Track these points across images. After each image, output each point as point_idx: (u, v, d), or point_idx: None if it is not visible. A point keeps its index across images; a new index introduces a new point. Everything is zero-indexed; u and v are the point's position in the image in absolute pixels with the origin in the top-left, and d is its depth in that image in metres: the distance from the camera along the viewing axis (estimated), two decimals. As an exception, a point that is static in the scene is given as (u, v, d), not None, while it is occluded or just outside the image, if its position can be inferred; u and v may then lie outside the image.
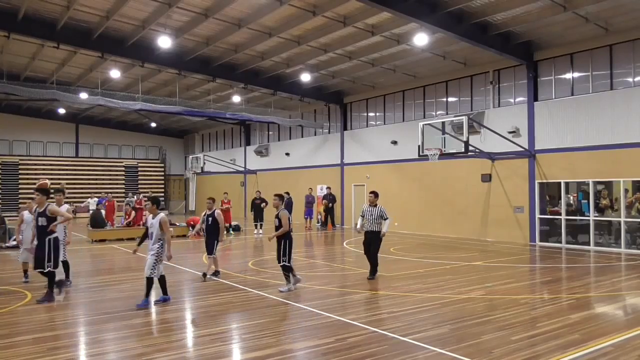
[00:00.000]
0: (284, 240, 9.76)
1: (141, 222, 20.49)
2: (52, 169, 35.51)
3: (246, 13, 16.71)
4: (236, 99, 26.54)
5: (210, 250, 11.32)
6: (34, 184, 34.30)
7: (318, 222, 25.00)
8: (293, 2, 15.38)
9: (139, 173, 39.26)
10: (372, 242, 11.03)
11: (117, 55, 20.83)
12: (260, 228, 21.62)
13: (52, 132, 36.42)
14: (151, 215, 9.11)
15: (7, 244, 17.10)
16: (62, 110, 33.66)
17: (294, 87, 24.43)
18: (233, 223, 22.28)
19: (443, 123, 17.02)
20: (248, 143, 34.05)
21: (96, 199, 25.44)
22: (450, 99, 20.99)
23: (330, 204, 24.52)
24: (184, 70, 22.39)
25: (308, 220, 24.30)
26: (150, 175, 39.73)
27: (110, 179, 37.17)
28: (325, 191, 25.09)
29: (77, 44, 19.69)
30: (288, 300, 8.89)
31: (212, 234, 11.31)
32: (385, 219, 10.99)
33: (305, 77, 22.07)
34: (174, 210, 39.40)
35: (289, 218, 9.89)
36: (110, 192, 26.91)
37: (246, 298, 9.26)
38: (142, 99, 23.49)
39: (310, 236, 21.70)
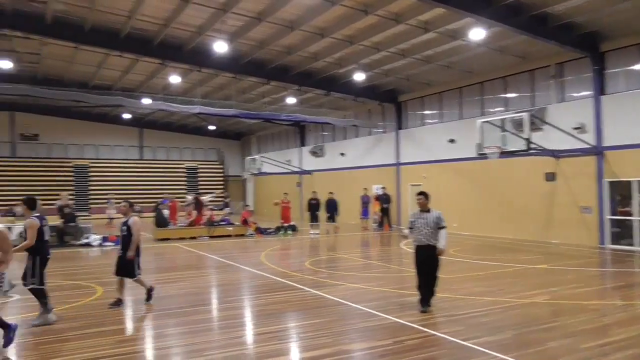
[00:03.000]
0: (34, 256, 7.45)
1: (201, 222, 21.10)
2: (118, 172, 37.28)
3: (298, 15, 16.86)
4: (290, 100, 26.84)
5: (130, 271, 8.71)
6: (103, 185, 36.24)
7: (375, 223, 24.81)
8: (344, 2, 15.35)
9: (199, 174, 40.47)
10: (429, 261, 8.14)
11: (176, 62, 21.58)
12: (317, 228, 21.74)
13: (119, 136, 38.23)
14: None
15: (79, 242, 18.09)
16: (127, 116, 35.25)
17: (348, 87, 24.39)
18: (291, 223, 22.54)
19: (502, 120, 16.46)
20: (303, 144, 34.34)
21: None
22: (510, 95, 20.27)
23: (386, 205, 24.29)
24: (239, 73, 22.88)
25: (364, 220, 24.21)
26: (210, 177, 40.84)
27: (172, 181, 38.50)
28: (380, 191, 24.90)
29: (138, 52, 20.61)
30: (345, 301, 8.86)
31: (126, 248, 8.67)
32: (441, 228, 8.17)
33: (359, 77, 21.97)
34: (234, 210, 40.33)
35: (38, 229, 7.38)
36: (173, 193, 27.91)
37: (303, 297, 9.33)
38: (201, 103, 24.22)
39: (367, 237, 21.60)
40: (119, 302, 8.59)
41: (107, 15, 17.84)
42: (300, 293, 9.68)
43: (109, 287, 10.07)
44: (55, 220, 19.07)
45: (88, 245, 17.80)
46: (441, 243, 8.15)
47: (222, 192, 31.65)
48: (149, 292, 8.88)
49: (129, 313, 8.37)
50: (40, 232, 7.38)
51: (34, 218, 7.37)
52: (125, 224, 8.73)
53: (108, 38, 19.31)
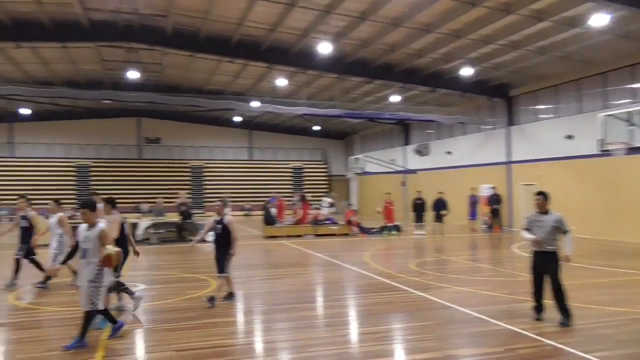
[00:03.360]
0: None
1: (306, 220, 21.62)
2: (229, 172, 39.44)
3: (402, 12, 16.61)
4: (394, 98, 26.56)
5: (220, 267, 8.73)
6: (216, 185, 38.45)
7: (484, 225, 23.74)
8: (451, -4, 14.87)
9: (304, 174, 41.54)
10: (546, 267, 7.36)
11: (282, 65, 22.36)
12: (422, 228, 21.32)
13: (230, 137, 40.39)
14: (84, 224, 6.64)
15: (195, 238, 19.32)
16: (237, 118, 37.15)
17: (454, 83, 23.58)
18: (395, 223, 22.33)
19: (629, 113, 14.91)
20: (407, 142, 33.82)
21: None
22: (638, 85, 18.31)
23: (496, 206, 23.12)
24: (342, 73, 23.10)
25: (472, 222, 23.28)
26: (315, 176, 41.76)
27: (279, 180, 39.90)
28: (489, 191, 23.75)
29: (248, 57, 21.67)
30: (452, 304, 8.57)
31: (221, 246, 8.74)
32: (565, 232, 7.37)
33: (466, 72, 21.13)
34: (338, 210, 40.89)
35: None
36: (280, 192, 28.92)
37: (408, 299, 9.18)
38: (306, 104, 24.83)
39: (475, 239, 20.75)
40: (230, 296, 8.94)
41: (219, 24, 18.94)
42: (405, 294, 9.54)
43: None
44: (174, 217, 20.65)
45: (203, 241, 18.88)
46: (566, 249, 7.42)
47: (328, 192, 32.11)
48: (230, 295, 8.87)
49: (240, 306, 8.80)
50: (122, 228, 8.19)
51: (116, 214, 8.21)
52: (220, 222, 8.71)
53: (220, 45, 20.56)
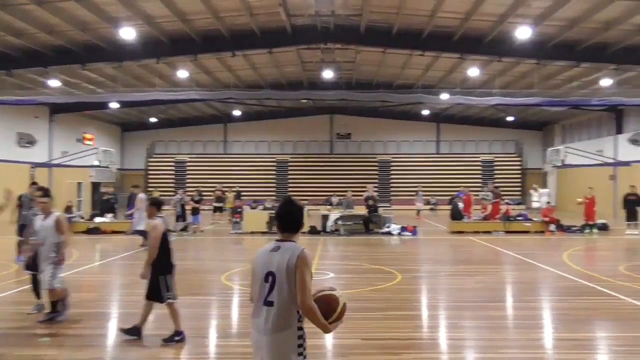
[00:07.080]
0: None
1: (497, 216, 20.55)
2: (416, 165, 39.39)
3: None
4: (605, 82, 23.46)
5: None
6: (403, 178, 38.73)
7: None
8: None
9: (495, 167, 39.41)
10: None
11: (475, 54, 21.51)
12: (635, 228, 18.58)
13: (417, 131, 40.23)
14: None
15: (381, 230, 19.78)
16: (425, 112, 36.86)
17: (685, 61, 19.89)
18: (599, 221, 19.88)
19: None
20: (620, 131, 29.65)
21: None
22: None
23: None
24: (543, 59, 21.25)
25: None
26: (506, 169, 39.32)
27: (467, 174, 38.45)
28: None
29: (439, 48, 21.35)
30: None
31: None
32: None
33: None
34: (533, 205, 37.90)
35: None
36: (468, 187, 27.91)
37: (617, 306, 8.15)
38: (500, 94, 23.49)
39: None
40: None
41: (411, 18, 19.04)
42: (614, 301, 8.47)
43: (407, 274, 10.80)
44: (362, 210, 21.43)
45: (389, 233, 19.31)
46: None
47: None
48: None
49: (425, 301, 8.83)
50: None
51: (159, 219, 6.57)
52: None
53: (412, 39, 20.64)
